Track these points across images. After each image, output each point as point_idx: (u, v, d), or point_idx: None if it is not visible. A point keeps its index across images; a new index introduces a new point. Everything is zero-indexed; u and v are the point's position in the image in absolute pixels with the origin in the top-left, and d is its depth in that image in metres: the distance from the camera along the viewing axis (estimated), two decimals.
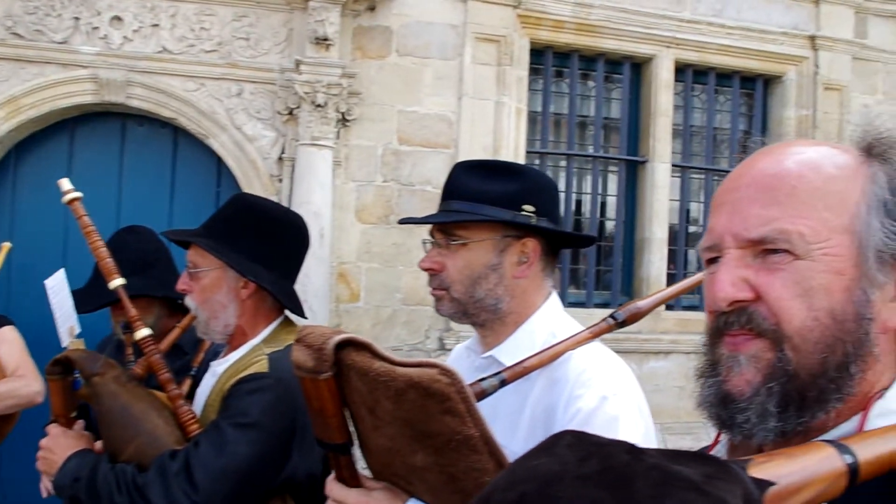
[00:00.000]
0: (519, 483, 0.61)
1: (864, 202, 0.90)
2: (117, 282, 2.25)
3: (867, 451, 0.77)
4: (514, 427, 1.67)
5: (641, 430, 1.61)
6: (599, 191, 6.67)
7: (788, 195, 0.90)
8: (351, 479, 1.42)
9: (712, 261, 0.95)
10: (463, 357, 1.98)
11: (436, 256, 1.79)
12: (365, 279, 5.73)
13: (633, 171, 6.73)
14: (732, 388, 0.90)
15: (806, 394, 0.87)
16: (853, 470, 0.75)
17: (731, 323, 0.91)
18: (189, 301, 2.22)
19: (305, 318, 2.31)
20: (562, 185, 6.55)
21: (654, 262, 6.46)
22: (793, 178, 0.91)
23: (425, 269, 1.81)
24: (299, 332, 1.31)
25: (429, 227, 1.85)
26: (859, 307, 0.88)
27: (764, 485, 0.67)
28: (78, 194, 2.23)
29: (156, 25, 5.35)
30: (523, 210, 1.76)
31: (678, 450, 0.66)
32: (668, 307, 6.55)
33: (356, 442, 1.41)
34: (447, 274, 1.77)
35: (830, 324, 0.87)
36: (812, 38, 6.87)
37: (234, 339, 2.23)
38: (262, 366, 2.07)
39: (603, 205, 6.76)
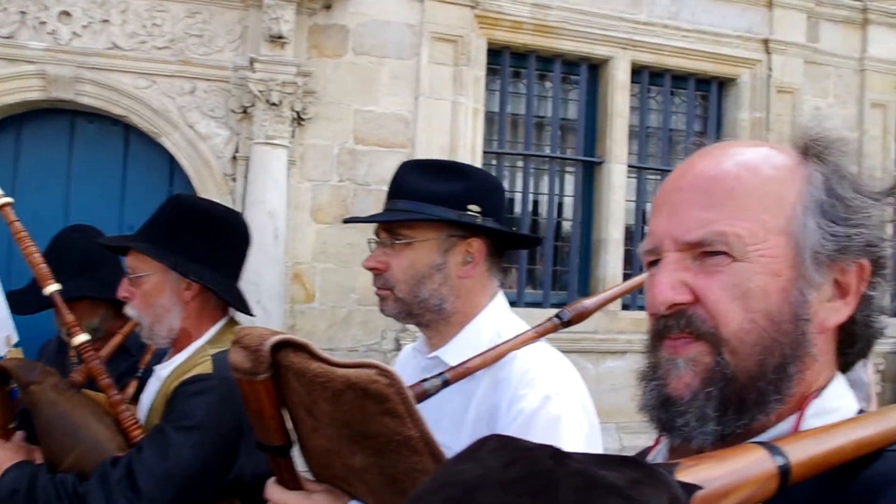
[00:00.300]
0: (444, 488, 0.61)
1: (801, 203, 0.91)
2: (52, 287, 2.21)
3: (800, 453, 0.77)
4: (458, 427, 1.67)
5: (585, 430, 1.62)
6: (556, 191, 6.76)
7: (726, 197, 0.91)
8: (291, 482, 1.41)
9: (653, 263, 0.96)
10: (410, 358, 1.98)
11: (380, 256, 1.79)
12: (320, 280, 5.74)
13: (590, 172, 6.83)
14: (672, 392, 0.90)
15: (745, 397, 0.88)
16: (784, 472, 0.75)
17: (670, 326, 0.92)
18: (130, 309, 2.18)
19: (253, 315, 2.31)
20: (519, 186, 6.63)
21: (611, 262, 6.56)
22: (730, 179, 0.91)
23: (369, 269, 1.81)
24: (237, 333, 1.29)
25: (375, 226, 1.87)
26: (796, 308, 0.89)
27: (691, 489, 0.67)
28: (7, 200, 2.19)
29: (106, 21, 5.29)
30: (469, 210, 1.76)
31: (607, 454, 0.66)
32: (624, 307, 6.67)
33: (297, 444, 1.40)
34: (391, 274, 1.77)
35: (768, 325, 0.88)
36: (766, 41, 7.05)
37: (179, 342, 2.21)
38: (205, 367, 2.06)
39: (560, 205, 6.85)
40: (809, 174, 0.92)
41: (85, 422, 2.03)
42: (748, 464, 0.74)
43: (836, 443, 0.80)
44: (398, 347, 5.70)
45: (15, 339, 2.51)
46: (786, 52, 7.12)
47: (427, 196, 1.76)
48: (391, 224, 1.78)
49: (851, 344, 0.96)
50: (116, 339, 2.34)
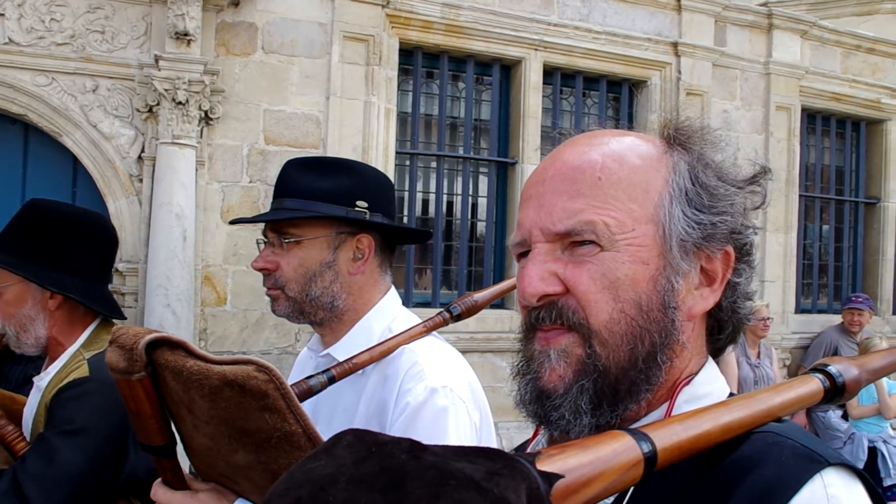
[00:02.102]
0: (294, 488, 0.63)
1: (667, 192, 0.97)
2: None
3: (666, 438, 0.81)
4: (349, 423, 1.75)
5: (475, 421, 1.73)
6: (470, 192, 7.20)
7: (593, 187, 0.96)
8: (176, 482, 1.47)
9: (524, 255, 1.01)
10: (307, 358, 2.09)
11: (269, 256, 1.88)
12: (232, 282, 6.01)
13: (504, 173, 7.30)
14: (546, 385, 0.95)
15: (618, 388, 0.94)
16: (650, 458, 0.79)
17: (542, 318, 0.96)
18: None
19: (124, 318, 2.42)
20: (432, 187, 7.03)
21: None
22: (597, 169, 0.97)
23: (258, 270, 1.90)
24: (113, 332, 1.33)
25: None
26: (665, 296, 0.95)
27: (552, 478, 0.70)
28: None
29: (0, 15, 5.43)
30: (357, 206, 1.86)
31: (468, 446, 0.68)
32: None
33: (182, 443, 1.47)
34: (281, 273, 1.86)
35: (636, 314, 0.93)
36: (675, 44, 7.66)
37: (52, 350, 2.31)
38: (82, 371, 2.15)
39: (474, 206, 7.29)
40: (674, 163, 0.99)
41: None
42: (612, 451, 0.77)
43: (704, 427, 0.85)
44: None
45: None
46: (694, 55, 7.74)
47: (314, 193, 1.86)
48: (279, 223, 1.87)
49: (720, 330, 1.04)
50: None
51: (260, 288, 5.93)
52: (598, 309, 0.93)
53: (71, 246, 2.28)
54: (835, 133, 9.10)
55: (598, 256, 0.94)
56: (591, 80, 7.63)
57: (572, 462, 0.73)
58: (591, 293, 0.94)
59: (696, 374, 1.00)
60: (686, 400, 0.97)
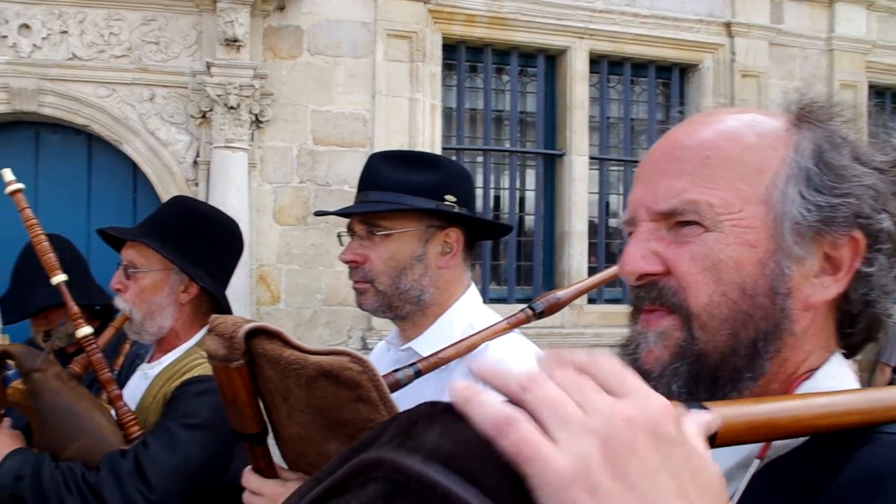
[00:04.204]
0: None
1: (784, 172, 0.98)
2: (59, 277, 2.48)
3: (730, 413, 0.80)
4: None
5: None
6: (517, 185, 8.04)
7: (699, 165, 0.99)
8: (267, 470, 1.62)
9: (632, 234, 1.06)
10: (384, 352, 2.26)
11: (358, 248, 2.02)
12: (285, 281, 6.98)
13: (551, 165, 8.12)
14: (644, 365, 1.01)
15: (717, 374, 0.97)
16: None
17: (642, 298, 1.02)
18: (120, 301, 2.49)
19: None
20: (479, 181, 7.87)
21: (575, 255, 7.83)
22: (706, 148, 1.00)
23: (347, 262, 2.04)
24: (211, 321, 1.45)
25: (341, 222, 2.14)
26: (773, 281, 0.96)
27: None
28: (20, 185, 2.48)
29: (65, 32, 6.49)
30: (446, 200, 2.01)
31: None
32: (591, 301, 7.90)
33: (272, 432, 1.59)
34: (371, 266, 2.00)
35: (739, 298, 0.96)
36: (728, 24, 8.30)
37: (166, 342, 2.55)
38: (206, 368, 2.29)
39: (522, 199, 8.13)
40: (798, 141, 1.00)
41: (89, 413, 2.32)
42: None
43: (788, 407, 0.86)
44: (365, 346, 6.87)
45: None
46: (749, 34, 8.36)
47: (402, 187, 2.00)
48: (370, 216, 2.02)
49: (852, 324, 1.02)
50: (109, 332, 2.60)
51: (312, 286, 7.05)
52: (698, 290, 0.97)
53: (211, 246, 2.55)
54: None
55: (701, 237, 0.98)
56: (640, 67, 8.34)
57: None
58: (691, 274, 0.98)
59: (818, 368, 1.00)
60: None
